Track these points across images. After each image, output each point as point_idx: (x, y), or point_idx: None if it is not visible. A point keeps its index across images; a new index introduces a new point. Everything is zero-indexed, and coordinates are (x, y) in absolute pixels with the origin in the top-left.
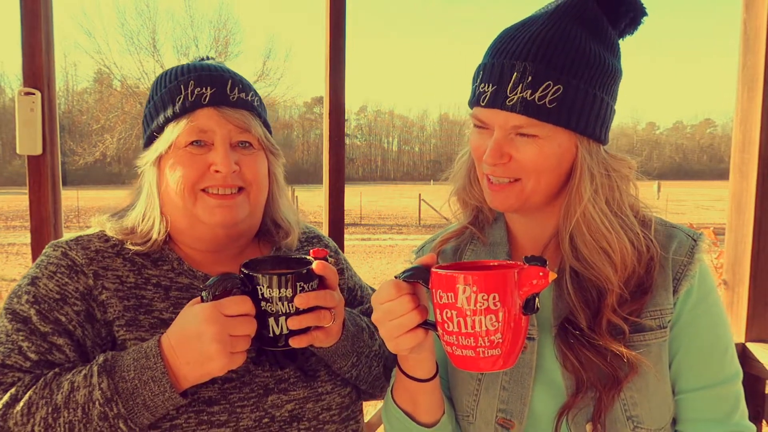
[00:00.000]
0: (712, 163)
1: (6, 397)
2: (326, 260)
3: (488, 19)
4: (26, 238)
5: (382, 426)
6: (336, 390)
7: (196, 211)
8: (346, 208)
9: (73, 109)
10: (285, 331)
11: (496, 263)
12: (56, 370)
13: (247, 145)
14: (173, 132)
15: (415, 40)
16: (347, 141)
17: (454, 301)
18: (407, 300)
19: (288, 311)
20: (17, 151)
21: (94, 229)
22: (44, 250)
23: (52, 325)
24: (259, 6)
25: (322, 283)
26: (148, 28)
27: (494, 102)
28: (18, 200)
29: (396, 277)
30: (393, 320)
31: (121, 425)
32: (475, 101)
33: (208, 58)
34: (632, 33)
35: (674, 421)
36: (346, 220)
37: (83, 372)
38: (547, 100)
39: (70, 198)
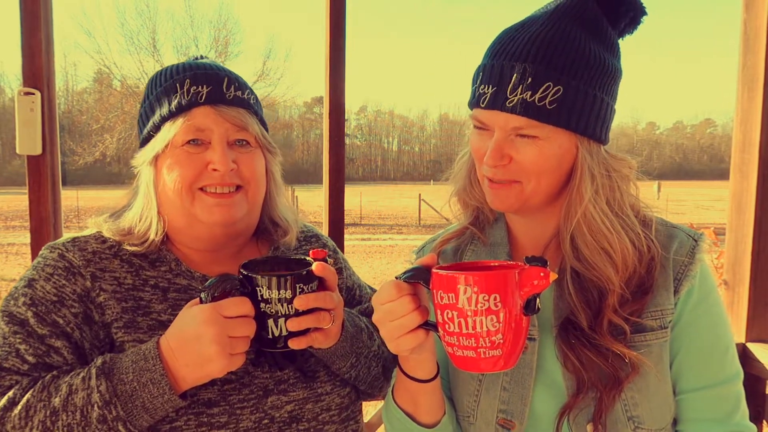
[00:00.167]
0: (712, 163)
1: (4, 401)
2: (325, 261)
3: (488, 19)
4: (26, 238)
5: (382, 426)
6: (335, 390)
7: (194, 210)
8: (346, 208)
9: (73, 109)
10: (284, 333)
11: (496, 264)
12: (54, 372)
13: (244, 143)
14: (170, 131)
15: (415, 40)
16: (347, 141)
17: (455, 301)
18: (408, 301)
19: (287, 313)
20: (17, 151)
21: (90, 230)
22: (41, 252)
23: (50, 327)
24: (259, 6)
25: (321, 285)
26: (148, 28)
27: (494, 103)
28: (18, 200)
29: (397, 278)
30: (394, 321)
31: (120, 428)
32: (474, 102)
33: (202, 57)
34: (632, 32)
35: (675, 422)
36: (346, 220)
37: (81, 374)
38: (547, 101)
39: (69, 198)
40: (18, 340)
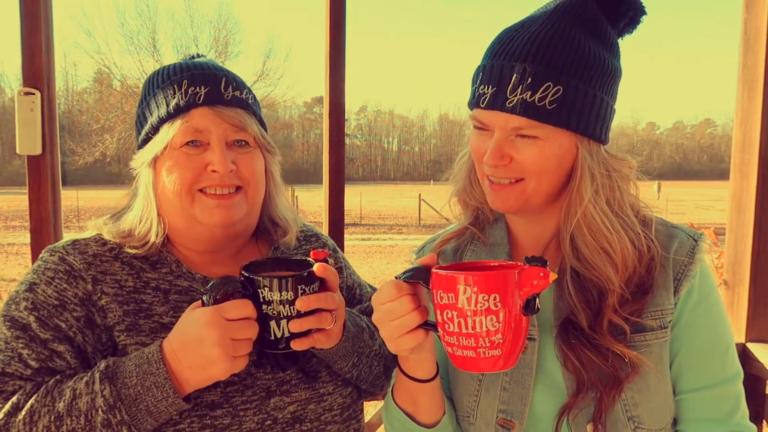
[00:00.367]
0: (712, 163)
1: (8, 406)
2: (326, 262)
3: (488, 19)
4: (26, 238)
5: (382, 426)
6: (337, 390)
7: (194, 211)
8: (346, 208)
9: (73, 109)
10: (286, 334)
11: (496, 264)
12: (57, 377)
13: (243, 143)
14: (168, 132)
15: (415, 40)
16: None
17: (454, 301)
18: (408, 300)
19: (289, 314)
20: (17, 151)
21: (90, 233)
22: (41, 255)
23: (52, 331)
24: (259, 6)
25: (322, 285)
26: (148, 28)
27: (494, 104)
28: (18, 200)
29: (396, 278)
30: (393, 321)
31: (125, 431)
32: (474, 103)
33: (199, 56)
34: (631, 32)
35: (675, 422)
36: (346, 220)
37: (85, 379)
38: (547, 101)
39: (69, 198)
40: (20, 345)
